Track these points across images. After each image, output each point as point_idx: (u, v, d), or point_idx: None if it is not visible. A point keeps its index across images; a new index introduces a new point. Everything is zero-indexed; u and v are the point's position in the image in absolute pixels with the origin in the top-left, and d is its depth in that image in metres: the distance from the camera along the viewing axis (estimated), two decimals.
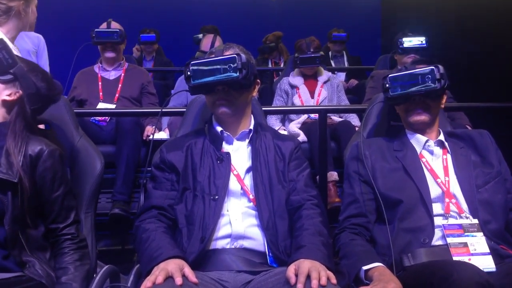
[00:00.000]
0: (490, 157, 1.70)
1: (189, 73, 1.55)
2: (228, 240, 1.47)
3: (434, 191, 1.61)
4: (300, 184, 1.58)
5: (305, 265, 1.25)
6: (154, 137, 2.17)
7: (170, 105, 3.30)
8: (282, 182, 1.57)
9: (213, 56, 1.58)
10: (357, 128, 3.01)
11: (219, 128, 1.63)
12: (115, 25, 3.30)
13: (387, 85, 1.70)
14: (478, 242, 1.51)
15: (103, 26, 3.29)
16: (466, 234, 1.52)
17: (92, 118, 3.06)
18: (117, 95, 3.22)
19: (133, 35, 5.41)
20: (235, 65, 1.51)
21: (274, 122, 3.47)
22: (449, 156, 1.69)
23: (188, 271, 1.28)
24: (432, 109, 1.69)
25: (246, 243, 1.47)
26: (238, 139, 1.64)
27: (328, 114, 3.06)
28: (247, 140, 1.64)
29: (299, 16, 6.90)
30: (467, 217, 1.56)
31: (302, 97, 3.50)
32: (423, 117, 1.68)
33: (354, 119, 3.43)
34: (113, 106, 3.17)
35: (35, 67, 1.56)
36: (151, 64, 5.36)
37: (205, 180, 1.53)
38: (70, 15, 6.40)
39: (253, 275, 1.40)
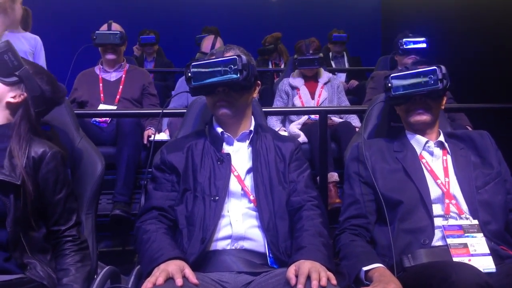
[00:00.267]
0: (490, 158, 1.70)
1: (189, 74, 1.55)
2: (229, 241, 1.47)
3: (434, 192, 1.61)
4: (300, 185, 1.58)
5: (306, 266, 1.25)
6: (155, 138, 2.17)
7: (170, 106, 3.30)
8: (283, 183, 1.57)
9: (214, 57, 1.59)
10: (357, 129, 3.02)
11: (219, 129, 1.63)
12: (116, 27, 3.30)
13: (389, 85, 1.69)
14: (478, 243, 1.51)
15: (104, 27, 3.29)
16: (466, 235, 1.52)
17: (92, 119, 3.06)
18: (118, 96, 3.22)
19: (133, 36, 5.42)
20: (236, 66, 1.51)
21: (274, 123, 3.47)
22: (449, 157, 1.69)
23: (188, 272, 1.28)
24: (433, 110, 1.69)
25: (246, 244, 1.47)
26: (238, 140, 1.64)
27: (328, 115, 3.06)
28: (248, 141, 1.65)
29: (299, 17, 6.91)
30: (467, 218, 1.56)
31: (303, 98, 3.50)
32: (424, 117, 1.68)
33: (354, 120, 3.43)
34: (114, 107, 3.17)
35: (41, 70, 1.57)
36: (152, 65, 5.37)
37: (205, 181, 1.53)
38: (70, 16, 6.41)
39: (254, 276, 1.40)
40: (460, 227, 1.54)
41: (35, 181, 1.43)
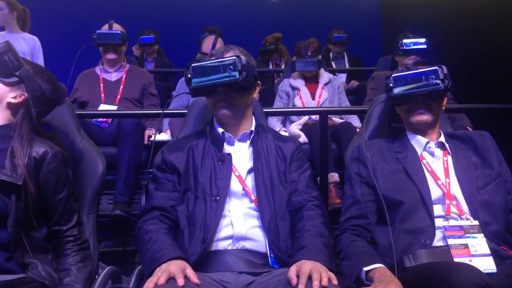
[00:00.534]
0: (491, 158, 1.70)
1: (189, 75, 1.56)
2: (230, 241, 1.47)
3: (435, 192, 1.61)
4: (301, 185, 1.58)
5: (307, 266, 1.25)
6: (156, 138, 2.18)
7: (171, 107, 3.30)
8: (284, 183, 1.57)
9: (213, 58, 1.59)
10: (358, 130, 3.02)
11: (220, 130, 1.63)
12: (117, 27, 3.30)
13: (391, 84, 1.69)
14: (479, 244, 1.51)
15: (105, 27, 3.29)
16: (466, 235, 1.52)
17: (93, 119, 3.07)
18: (118, 96, 3.22)
19: (133, 36, 5.42)
20: (235, 67, 1.52)
21: (275, 123, 3.48)
22: (449, 158, 1.69)
23: (190, 272, 1.28)
24: (434, 110, 1.69)
25: (247, 244, 1.48)
26: (239, 140, 1.64)
27: (329, 116, 3.07)
28: (248, 141, 1.65)
29: (300, 17, 6.91)
30: (467, 219, 1.57)
31: (303, 99, 3.50)
32: (425, 118, 1.68)
33: (355, 121, 3.43)
34: (115, 107, 3.17)
35: (41, 70, 1.57)
36: (152, 65, 5.37)
37: (206, 181, 1.54)
38: (70, 16, 6.41)
39: (255, 276, 1.40)
40: (460, 227, 1.54)
41: (36, 181, 1.43)
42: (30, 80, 1.50)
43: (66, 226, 1.50)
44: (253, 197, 1.54)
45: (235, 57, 1.53)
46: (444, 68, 1.66)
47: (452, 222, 1.56)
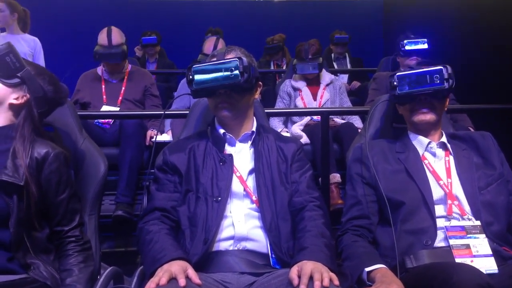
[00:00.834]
0: (493, 159, 1.69)
1: (191, 76, 1.56)
2: (231, 241, 1.47)
3: (437, 193, 1.61)
4: (302, 185, 1.58)
5: (308, 266, 1.26)
6: (157, 139, 2.18)
7: (173, 108, 3.31)
8: (285, 183, 1.57)
9: (215, 59, 1.59)
10: (359, 130, 3.02)
11: (221, 130, 1.63)
12: (116, 35, 3.22)
13: (395, 83, 1.69)
14: (481, 244, 1.50)
15: (103, 35, 3.21)
16: (468, 236, 1.52)
17: (95, 120, 3.07)
18: (120, 97, 3.23)
19: (136, 37, 5.43)
20: (237, 68, 1.52)
21: (276, 124, 3.48)
22: (451, 158, 1.69)
23: (191, 272, 1.28)
24: (437, 110, 1.69)
25: (249, 245, 1.48)
26: (240, 141, 1.65)
27: (330, 116, 3.07)
28: (250, 142, 1.65)
29: (301, 18, 6.92)
30: (469, 219, 1.56)
31: (305, 99, 3.51)
32: (428, 117, 1.67)
33: (356, 121, 3.44)
34: (117, 108, 3.18)
35: (42, 70, 1.57)
36: (154, 66, 5.38)
37: (207, 182, 1.54)
38: (71, 17, 6.43)
39: (256, 277, 1.40)
40: (462, 228, 1.54)
41: (38, 182, 1.43)
42: (32, 81, 1.51)
43: (68, 227, 1.50)
44: (254, 198, 1.54)
45: (236, 59, 1.53)
46: (449, 67, 1.65)
47: (454, 223, 1.56)
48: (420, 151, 1.70)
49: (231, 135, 1.63)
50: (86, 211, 1.66)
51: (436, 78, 1.64)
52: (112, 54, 3.18)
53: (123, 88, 3.27)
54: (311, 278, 1.22)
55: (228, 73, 1.52)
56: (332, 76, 3.71)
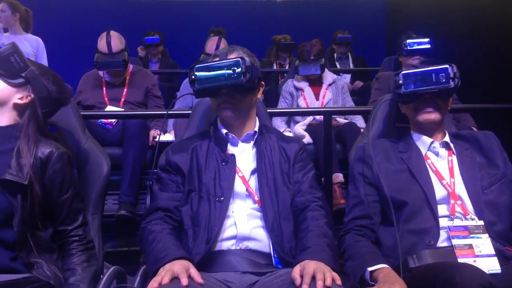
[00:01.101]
0: (496, 158, 1.69)
1: (193, 77, 1.56)
2: (234, 241, 1.48)
3: (440, 192, 1.60)
4: (305, 185, 1.59)
5: (310, 266, 1.26)
6: (160, 139, 2.18)
7: (175, 108, 3.31)
8: (287, 183, 1.57)
9: (217, 59, 1.59)
10: (362, 130, 3.02)
11: (224, 130, 1.64)
12: (115, 38, 3.21)
13: (400, 82, 1.68)
14: (484, 244, 1.50)
15: (103, 41, 3.20)
16: (471, 235, 1.52)
17: (98, 120, 3.07)
18: (122, 99, 3.23)
19: (139, 37, 5.44)
20: (239, 68, 1.52)
21: (279, 124, 3.48)
22: (454, 158, 1.69)
23: (193, 272, 1.29)
24: (442, 109, 1.68)
25: (251, 245, 1.48)
26: (243, 141, 1.65)
27: (333, 116, 3.06)
28: (252, 142, 1.65)
29: (304, 18, 6.92)
30: (472, 219, 1.56)
31: (307, 99, 3.51)
32: (433, 116, 1.66)
33: (359, 121, 3.43)
34: (120, 108, 3.18)
35: (46, 70, 1.58)
36: (157, 66, 5.39)
37: (210, 182, 1.54)
38: (75, 17, 6.44)
39: (259, 276, 1.40)
40: (465, 227, 1.53)
41: (42, 182, 1.44)
42: (36, 81, 1.52)
43: (71, 226, 1.50)
44: (256, 198, 1.54)
45: (239, 59, 1.53)
46: (454, 66, 1.65)
47: (456, 222, 1.55)
48: (423, 150, 1.70)
49: (234, 135, 1.64)
50: (89, 211, 1.66)
51: (441, 77, 1.63)
52: (113, 63, 3.17)
53: (125, 90, 3.26)
54: (313, 278, 1.22)
55: (231, 72, 1.52)
56: (335, 76, 3.71)
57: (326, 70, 3.64)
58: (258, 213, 1.52)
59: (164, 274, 1.24)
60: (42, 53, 4.03)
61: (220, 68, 1.53)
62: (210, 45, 3.67)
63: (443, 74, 1.64)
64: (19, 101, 1.50)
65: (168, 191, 1.58)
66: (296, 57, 3.81)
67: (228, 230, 1.49)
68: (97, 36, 3.27)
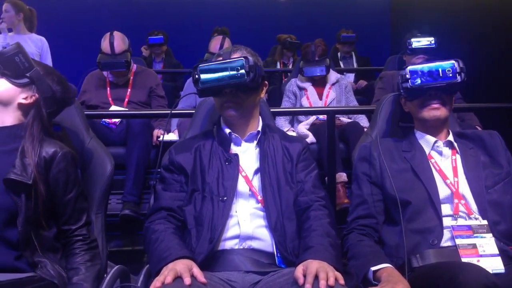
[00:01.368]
0: (500, 157, 1.68)
1: (197, 76, 1.56)
2: (237, 240, 1.48)
3: (443, 191, 1.60)
4: (308, 185, 1.58)
5: (313, 265, 1.26)
6: (164, 138, 2.19)
7: (179, 107, 3.31)
8: (290, 183, 1.57)
9: (221, 58, 1.59)
10: (365, 129, 3.01)
11: (227, 130, 1.64)
12: (118, 39, 3.21)
13: (407, 76, 1.67)
14: (487, 243, 1.50)
15: (106, 41, 3.20)
16: (475, 235, 1.51)
17: (102, 120, 3.08)
18: (126, 99, 3.23)
19: (142, 37, 5.45)
20: (243, 68, 1.52)
21: (283, 123, 3.48)
22: (458, 157, 1.68)
23: (196, 271, 1.29)
24: (447, 105, 1.67)
25: (254, 244, 1.48)
26: (246, 141, 1.65)
27: (336, 115, 3.06)
28: (255, 142, 1.65)
29: (308, 16, 6.91)
30: (476, 218, 1.55)
31: (310, 99, 3.50)
32: (439, 112, 1.65)
33: (363, 120, 3.42)
34: (124, 108, 3.19)
35: (51, 70, 1.59)
36: (161, 65, 5.40)
37: (213, 182, 1.54)
38: (78, 17, 6.46)
39: (262, 276, 1.41)
40: (469, 227, 1.53)
41: (46, 181, 1.45)
42: (41, 81, 1.52)
43: (75, 226, 1.51)
44: (259, 198, 1.54)
45: (242, 58, 1.53)
46: (460, 62, 1.64)
47: (460, 222, 1.55)
48: (427, 150, 1.70)
49: (237, 135, 1.64)
50: (93, 210, 1.67)
51: (448, 72, 1.63)
52: (116, 64, 3.17)
53: (129, 90, 3.27)
54: (316, 277, 1.22)
55: (234, 72, 1.52)
56: (338, 75, 3.70)
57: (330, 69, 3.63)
58: (261, 213, 1.53)
59: (167, 274, 1.24)
60: (47, 52, 4.03)
61: (224, 67, 1.54)
62: (214, 44, 3.67)
63: (450, 69, 1.63)
64: (23, 101, 1.51)
65: (171, 190, 1.59)
66: (300, 57, 3.80)
67: (231, 229, 1.49)
68: (101, 35, 3.27)
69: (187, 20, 6.68)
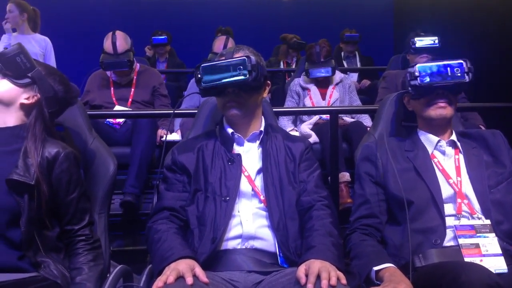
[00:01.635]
0: (503, 157, 1.68)
1: (199, 75, 1.56)
2: (239, 240, 1.48)
3: (446, 191, 1.60)
4: (310, 185, 1.58)
5: (316, 265, 1.26)
6: (167, 138, 2.19)
7: (182, 107, 3.32)
8: (293, 183, 1.57)
9: (223, 58, 1.59)
10: (369, 129, 3.00)
11: (230, 130, 1.64)
12: (121, 39, 3.22)
13: (416, 74, 1.66)
14: (490, 243, 1.49)
15: (108, 40, 3.21)
16: (478, 235, 1.51)
17: (106, 120, 3.09)
18: (130, 99, 3.24)
19: (146, 37, 5.46)
20: (245, 67, 1.52)
21: (286, 123, 3.47)
22: (461, 156, 1.68)
23: (199, 271, 1.29)
24: (453, 104, 1.67)
25: (256, 244, 1.48)
26: (248, 141, 1.65)
27: (340, 115, 3.05)
28: (258, 142, 1.65)
29: (311, 16, 6.91)
30: (479, 218, 1.55)
31: (313, 99, 3.50)
32: (445, 111, 1.65)
33: (366, 120, 3.42)
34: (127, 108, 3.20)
35: (53, 70, 1.59)
36: (165, 65, 5.40)
37: (216, 182, 1.54)
38: (82, 16, 6.47)
39: (264, 275, 1.41)
40: (472, 227, 1.53)
41: (48, 181, 1.45)
42: (43, 81, 1.53)
43: (78, 226, 1.51)
44: (262, 197, 1.54)
45: (244, 57, 1.53)
46: (468, 61, 1.64)
47: (463, 221, 1.55)
48: (429, 149, 1.69)
49: (240, 135, 1.64)
50: (96, 210, 1.67)
51: (457, 71, 1.63)
52: (119, 63, 3.18)
53: (132, 90, 3.27)
54: (318, 277, 1.22)
55: (237, 72, 1.53)
56: (342, 75, 3.69)
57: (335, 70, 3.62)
58: (264, 213, 1.53)
59: (169, 273, 1.24)
60: (50, 53, 4.04)
61: (226, 67, 1.54)
62: (218, 44, 3.67)
63: (458, 69, 1.63)
64: (25, 101, 1.51)
65: (174, 190, 1.59)
66: (304, 56, 3.79)
67: (234, 229, 1.49)
68: (104, 35, 3.28)
69: (190, 20, 6.69)
